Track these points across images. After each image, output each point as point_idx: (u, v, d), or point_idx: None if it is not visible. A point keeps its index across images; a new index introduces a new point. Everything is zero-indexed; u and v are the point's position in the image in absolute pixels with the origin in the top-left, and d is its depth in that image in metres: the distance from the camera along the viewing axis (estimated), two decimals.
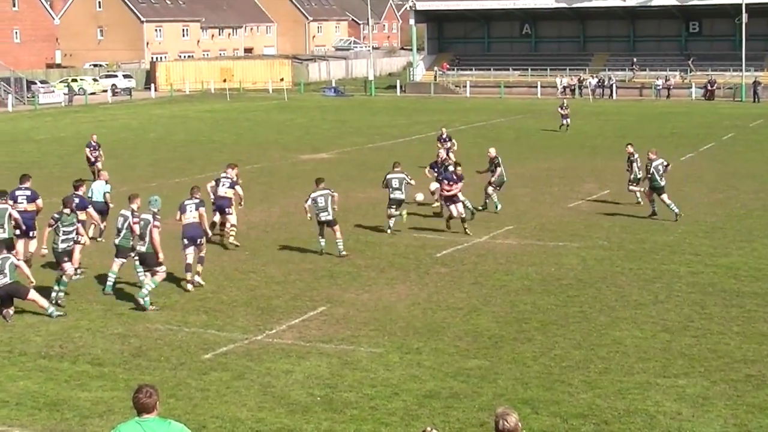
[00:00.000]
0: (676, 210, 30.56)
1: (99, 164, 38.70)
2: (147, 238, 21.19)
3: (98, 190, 27.79)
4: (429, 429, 9.14)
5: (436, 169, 32.21)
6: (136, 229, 21.53)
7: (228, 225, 27.21)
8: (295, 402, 15.39)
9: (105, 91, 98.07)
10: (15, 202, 24.52)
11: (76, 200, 23.71)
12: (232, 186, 27.40)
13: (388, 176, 28.73)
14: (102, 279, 23.52)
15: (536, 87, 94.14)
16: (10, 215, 23.44)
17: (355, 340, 18.60)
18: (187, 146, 53.70)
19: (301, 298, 21.82)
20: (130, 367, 17.19)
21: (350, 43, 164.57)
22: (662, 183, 30.61)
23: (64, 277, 21.70)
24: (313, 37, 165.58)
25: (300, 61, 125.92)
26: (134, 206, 22.18)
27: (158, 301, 21.61)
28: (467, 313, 20.42)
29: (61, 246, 21.88)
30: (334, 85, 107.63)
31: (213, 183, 27.59)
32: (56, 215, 22.08)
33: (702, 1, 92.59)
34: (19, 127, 67.73)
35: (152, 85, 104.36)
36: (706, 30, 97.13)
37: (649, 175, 30.64)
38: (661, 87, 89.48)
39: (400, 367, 17.01)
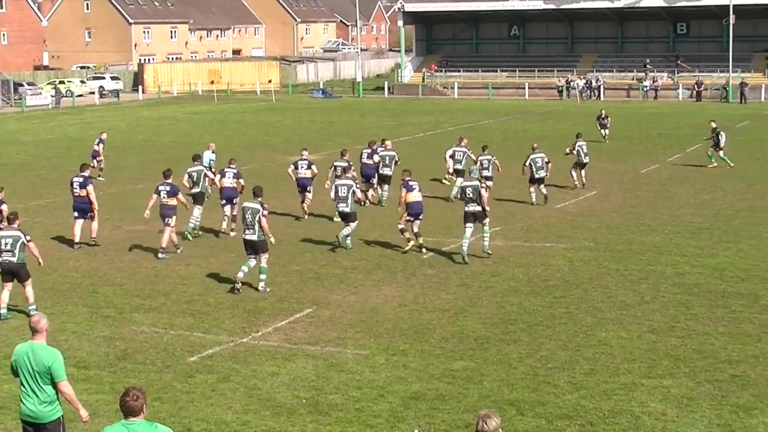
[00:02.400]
0: (534, 200, 33.88)
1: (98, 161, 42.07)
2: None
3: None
4: (415, 431, 9.16)
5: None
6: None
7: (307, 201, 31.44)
8: (280, 404, 15.39)
9: (92, 93, 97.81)
10: None
11: (167, 188, 26.13)
12: (309, 167, 31.35)
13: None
14: (88, 280, 23.56)
15: (524, 88, 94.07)
16: None
17: (342, 342, 18.59)
18: (174, 148, 53.62)
19: (288, 300, 21.81)
20: (115, 370, 17.15)
21: (338, 44, 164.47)
22: (539, 175, 33.35)
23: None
24: (302, 38, 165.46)
25: (288, 62, 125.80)
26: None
27: (144, 304, 21.63)
28: (453, 314, 20.44)
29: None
30: (322, 86, 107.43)
31: (292, 166, 31.81)
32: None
33: (690, 2, 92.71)
34: (6, 129, 67.61)
35: (140, 87, 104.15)
36: (694, 31, 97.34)
37: (526, 165, 33.47)
38: (648, 88, 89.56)
39: (386, 368, 17.02)
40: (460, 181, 32.62)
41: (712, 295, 21.71)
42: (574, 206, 34.05)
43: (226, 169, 29.33)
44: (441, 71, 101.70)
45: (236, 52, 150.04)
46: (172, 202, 26.18)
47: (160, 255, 26.09)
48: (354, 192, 27.07)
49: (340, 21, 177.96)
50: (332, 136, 59.16)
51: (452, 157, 35.71)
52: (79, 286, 23.46)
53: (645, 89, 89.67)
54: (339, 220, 28.33)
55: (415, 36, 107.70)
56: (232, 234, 28.73)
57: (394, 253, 26.62)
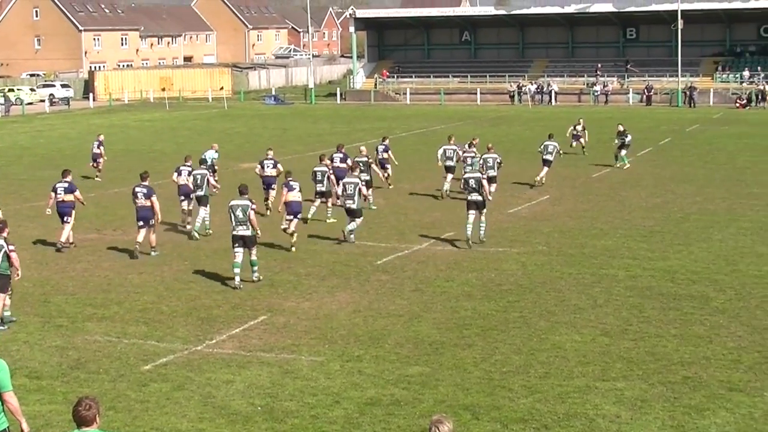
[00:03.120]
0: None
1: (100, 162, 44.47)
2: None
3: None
4: None
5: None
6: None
7: (271, 198, 33.64)
8: (235, 412, 15.30)
9: (42, 101, 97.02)
10: None
11: (144, 190, 27.10)
12: (275, 165, 33.75)
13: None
14: (39, 289, 23.33)
15: (476, 93, 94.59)
16: None
17: (296, 349, 18.51)
18: (126, 156, 53.25)
19: (242, 307, 21.72)
20: (68, 380, 16.97)
21: (290, 51, 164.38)
22: (489, 174, 33.23)
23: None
24: (253, 45, 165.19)
25: (240, 69, 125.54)
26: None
27: (97, 313, 21.44)
28: (408, 320, 20.45)
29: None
30: (274, 93, 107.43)
31: (259, 166, 34.16)
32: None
33: (639, 7, 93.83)
34: None
35: (91, 94, 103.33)
36: (643, 36, 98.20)
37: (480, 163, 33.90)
38: (599, 92, 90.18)
39: (341, 375, 16.97)
40: (450, 177, 36.80)
41: (664, 297, 21.85)
42: (527, 211, 34.17)
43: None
44: (393, 77, 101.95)
45: (187, 59, 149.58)
46: (149, 203, 27.03)
47: (153, 253, 27.33)
48: (360, 189, 28.31)
49: (292, 27, 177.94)
50: (285, 143, 58.95)
51: (444, 154, 37.59)
52: (30, 295, 23.16)
53: (596, 94, 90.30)
54: (332, 220, 31.26)
55: (367, 42, 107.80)
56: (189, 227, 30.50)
57: (349, 258, 26.58)
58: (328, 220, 31.89)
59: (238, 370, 17.26)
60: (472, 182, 27.61)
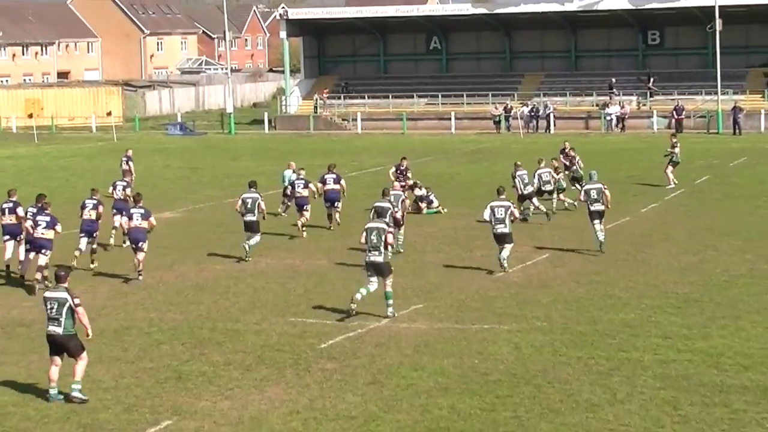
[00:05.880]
0: None
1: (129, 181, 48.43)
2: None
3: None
4: None
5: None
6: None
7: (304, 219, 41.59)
8: None
9: None
10: None
11: (141, 211, 34.34)
12: (306, 186, 42.20)
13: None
14: None
15: (449, 119, 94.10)
16: None
17: None
18: None
19: (138, 409, 21.43)
20: None
21: (201, 63, 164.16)
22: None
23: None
24: (152, 56, 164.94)
25: (134, 88, 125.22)
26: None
27: None
28: (363, 422, 20.23)
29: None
30: (180, 120, 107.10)
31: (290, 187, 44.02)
32: None
33: (662, 3, 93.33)
34: None
35: None
36: (670, 41, 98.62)
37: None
38: (613, 117, 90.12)
39: None
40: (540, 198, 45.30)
41: (707, 389, 21.65)
42: (520, 274, 33.98)
43: (326, 176, 42.95)
44: (338, 98, 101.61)
45: (63, 74, 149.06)
46: (145, 224, 33.81)
47: (140, 277, 33.78)
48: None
49: (203, 32, 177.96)
50: (195, 187, 58.71)
51: (540, 179, 45.49)
52: None
53: (609, 118, 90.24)
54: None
55: (304, 52, 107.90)
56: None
57: (282, 340, 26.38)
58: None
59: None
60: (593, 193, 36.70)
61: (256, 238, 36.90)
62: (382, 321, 28.14)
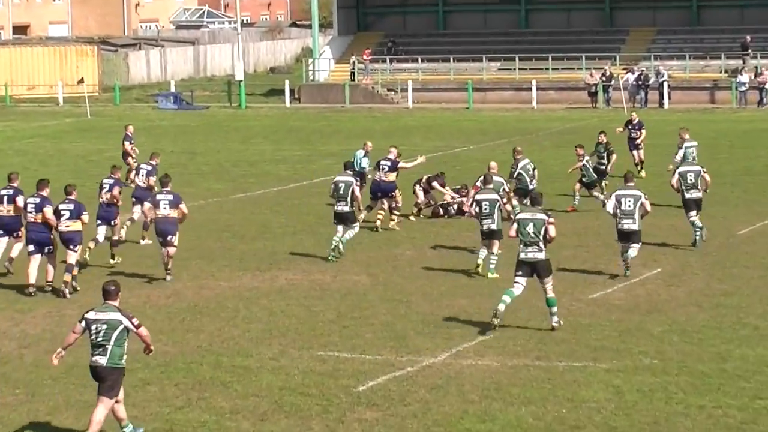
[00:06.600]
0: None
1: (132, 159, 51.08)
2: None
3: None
4: None
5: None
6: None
7: (391, 206, 40.67)
8: None
9: None
10: None
11: (170, 197, 33.67)
12: (393, 168, 40.74)
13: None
14: None
15: (530, 89, 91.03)
16: None
17: None
18: None
19: None
20: None
21: (202, 15, 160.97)
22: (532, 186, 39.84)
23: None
24: (137, 5, 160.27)
25: (114, 48, 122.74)
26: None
27: None
28: None
29: None
30: (174, 90, 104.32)
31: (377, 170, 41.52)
32: None
33: None
34: None
35: None
36: None
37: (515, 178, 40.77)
38: (747, 87, 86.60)
39: None
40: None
41: None
42: (622, 295, 31.94)
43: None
44: (382, 60, 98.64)
45: (20, 29, 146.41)
46: (174, 213, 33.39)
47: (168, 277, 33.67)
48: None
49: None
50: (194, 178, 55.81)
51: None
52: None
53: (742, 89, 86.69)
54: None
55: (337, 1, 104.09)
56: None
57: (308, 382, 24.79)
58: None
59: None
60: (690, 177, 36.57)
61: (351, 231, 36.23)
62: (440, 356, 26.59)
